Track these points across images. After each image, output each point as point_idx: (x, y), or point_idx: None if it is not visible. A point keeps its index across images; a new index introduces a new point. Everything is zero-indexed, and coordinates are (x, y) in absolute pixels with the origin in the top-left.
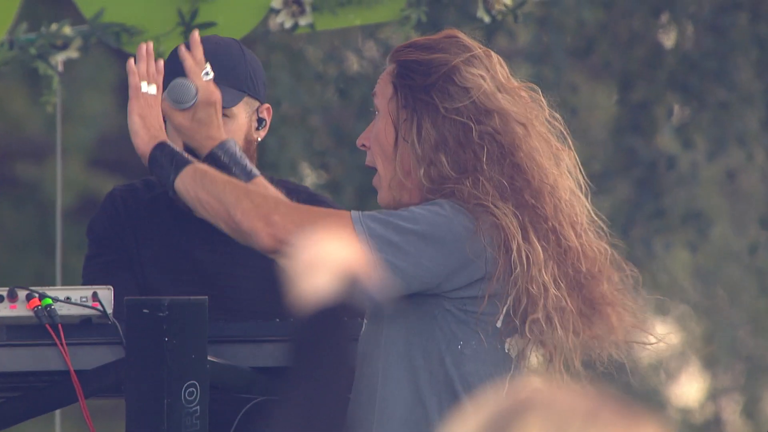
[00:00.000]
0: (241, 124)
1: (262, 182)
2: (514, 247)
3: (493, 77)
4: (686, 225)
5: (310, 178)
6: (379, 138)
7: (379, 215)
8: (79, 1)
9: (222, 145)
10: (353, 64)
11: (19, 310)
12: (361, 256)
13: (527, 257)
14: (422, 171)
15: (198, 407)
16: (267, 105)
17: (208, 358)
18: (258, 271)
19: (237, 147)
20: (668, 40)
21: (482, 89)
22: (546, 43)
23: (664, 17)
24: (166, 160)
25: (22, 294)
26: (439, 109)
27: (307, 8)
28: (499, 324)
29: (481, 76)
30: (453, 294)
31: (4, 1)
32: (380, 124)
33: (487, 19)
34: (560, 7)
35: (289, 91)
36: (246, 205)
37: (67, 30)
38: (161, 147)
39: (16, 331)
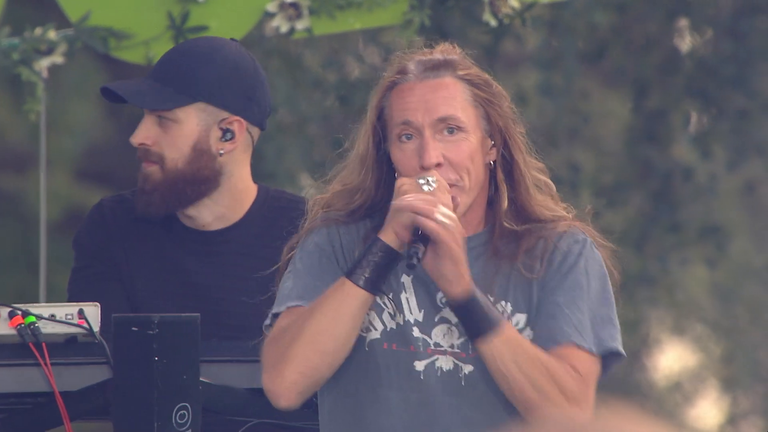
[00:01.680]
0: (188, 130)
1: (512, 328)
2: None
3: None
4: (704, 240)
5: (309, 189)
6: (474, 157)
7: (590, 318)
8: (65, 4)
9: (465, 298)
10: (354, 69)
11: (2, 328)
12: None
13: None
14: (529, 192)
15: (189, 430)
16: (237, 118)
17: (201, 378)
18: (252, 283)
19: (479, 293)
20: (685, 44)
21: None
22: (556, 48)
23: (681, 21)
24: (475, 314)
25: (4, 311)
26: (517, 132)
27: (305, 12)
28: None
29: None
30: None
31: None
32: (473, 141)
33: (493, 22)
34: (571, 10)
35: (286, 98)
36: (557, 400)
37: (52, 34)
38: (475, 297)
39: None
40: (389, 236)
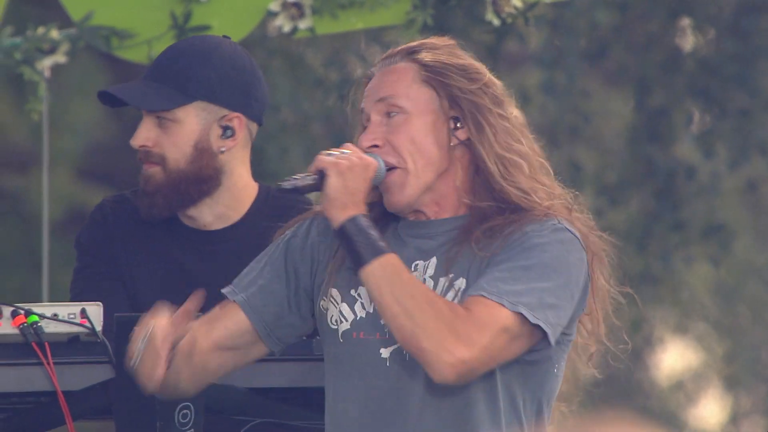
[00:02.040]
0: (189, 130)
1: (395, 260)
2: (592, 259)
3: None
4: (707, 238)
5: None
6: (416, 138)
7: (516, 285)
8: (67, 4)
9: (345, 226)
10: (356, 68)
11: (4, 327)
12: (523, 335)
13: (603, 271)
14: (500, 172)
15: (192, 430)
16: (237, 114)
17: None
18: None
19: (367, 221)
20: (687, 43)
21: (511, 104)
22: (558, 47)
23: (683, 20)
24: (361, 239)
25: (6, 311)
26: (495, 114)
27: (307, 11)
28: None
29: (505, 90)
30: None
31: None
32: (416, 123)
33: (496, 22)
34: (573, 10)
35: (289, 97)
36: (432, 330)
37: (54, 34)
38: (355, 221)
39: (1, 350)
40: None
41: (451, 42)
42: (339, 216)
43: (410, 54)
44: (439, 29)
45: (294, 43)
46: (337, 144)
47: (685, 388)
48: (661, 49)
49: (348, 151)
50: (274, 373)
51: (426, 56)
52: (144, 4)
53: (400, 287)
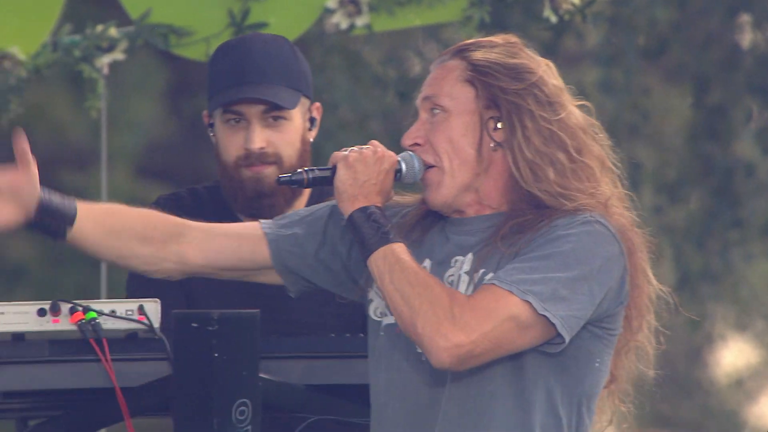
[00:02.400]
0: (298, 125)
1: (398, 249)
2: (639, 255)
3: (564, 91)
4: (766, 236)
5: None
6: (453, 138)
7: (533, 274)
8: (125, 1)
9: (362, 210)
10: (414, 66)
11: (62, 324)
12: (535, 325)
13: (643, 265)
14: (528, 176)
15: (249, 427)
16: (317, 104)
17: (260, 375)
18: None
19: (376, 212)
20: (746, 40)
21: (565, 104)
22: (616, 44)
23: (742, 17)
24: (366, 230)
25: (65, 307)
26: (537, 116)
27: (364, 8)
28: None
29: (561, 90)
30: (597, 315)
31: (48, 1)
32: (454, 123)
33: (554, 19)
34: (631, 6)
35: (347, 94)
36: (428, 315)
37: (113, 31)
38: (362, 212)
39: (59, 347)
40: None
41: (514, 40)
42: (347, 207)
43: (461, 51)
44: (497, 26)
45: (352, 41)
46: (397, 142)
47: (745, 386)
48: (719, 46)
49: (368, 146)
50: (332, 370)
51: (475, 54)
52: (202, 2)
53: (399, 275)
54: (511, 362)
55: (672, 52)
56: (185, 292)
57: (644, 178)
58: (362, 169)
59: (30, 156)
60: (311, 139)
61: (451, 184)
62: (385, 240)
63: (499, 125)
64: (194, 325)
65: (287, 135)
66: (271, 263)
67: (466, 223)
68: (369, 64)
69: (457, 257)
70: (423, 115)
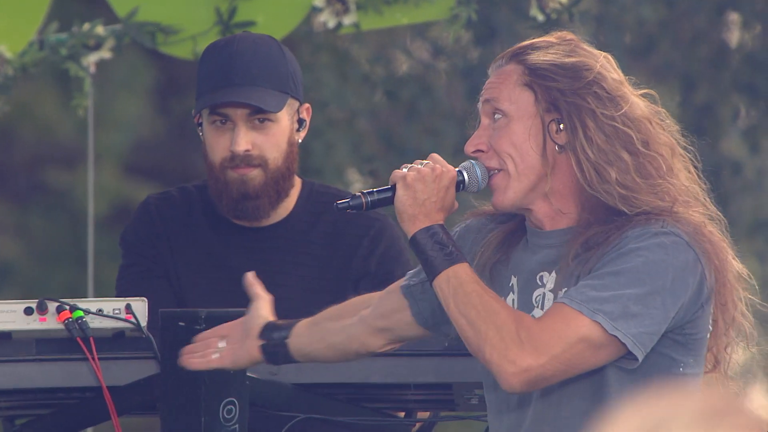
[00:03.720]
0: (284, 127)
1: (462, 270)
2: (718, 253)
3: (625, 83)
4: (754, 234)
5: (357, 184)
6: (516, 142)
7: (604, 291)
8: (112, 0)
9: (425, 231)
10: (402, 64)
11: (49, 322)
12: (607, 344)
13: (729, 265)
14: (593, 178)
15: (237, 426)
16: (306, 105)
17: (248, 373)
18: (298, 279)
19: (440, 231)
20: (733, 39)
21: (627, 97)
22: (603, 43)
23: (730, 15)
24: (429, 251)
25: (52, 306)
26: (598, 114)
27: (352, 6)
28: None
29: (621, 83)
30: (674, 324)
31: None
32: (516, 127)
33: (541, 17)
34: (618, 5)
35: (335, 93)
36: (495, 340)
37: (100, 29)
38: (425, 233)
39: (46, 345)
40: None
41: (570, 37)
42: (409, 228)
43: (517, 55)
44: (484, 25)
45: (340, 39)
46: (384, 141)
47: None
48: (707, 45)
49: (428, 161)
50: (319, 369)
51: (531, 57)
52: (189, 0)
53: (463, 299)
54: (591, 378)
55: (659, 50)
56: (174, 290)
57: None
58: (421, 188)
59: (262, 297)
60: (300, 140)
61: (517, 188)
62: (448, 262)
63: (561, 127)
64: (181, 323)
65: (273, 137)
66: (410, 312)
67: (546, 237)
68: (357, 62)
69: (542, 273)
70: (485, 121)
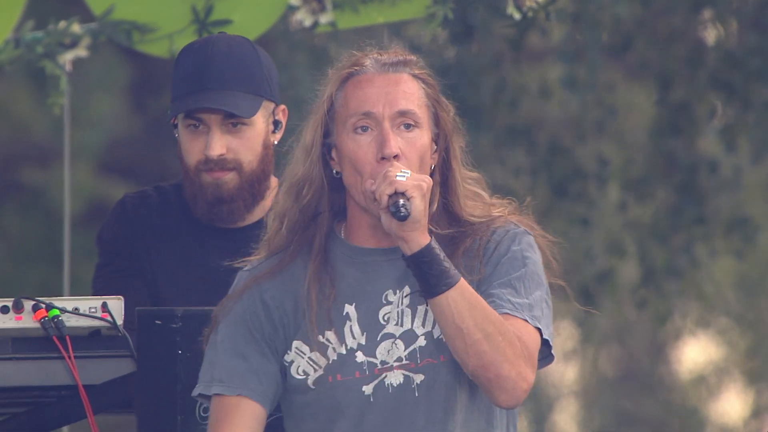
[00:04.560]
0: (259, 130)
1: (467, 285)
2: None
3: None
4: (730, 232)
5: None
6: (423, 156)
7: (523, 298)
8: None
9: (428, 249)
10: None
11: (25, 321)
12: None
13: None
14: (460, 201)
15: None
16: (282, 106)
17: None
18: None
19: (438, 247)
20: (710, 37)
21: None
22: (580, 41)
23: (706, 13)
24: (439, 264)
25: (28, 305)
26: (457, 141)
27: (328, 5)
28: None
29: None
30: None
31: None
32: (425, 141)
33: (517, 15)
34: (595, 3)
35: (312, 91)
36: (511, 356)
37: (76, 28)
38: (433, 245)
39: (22, 344)
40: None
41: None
42: (421, 239)
43: (411, 67)
44: (460, 23)
45: (316, 38)
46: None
47: (707, 383)
48: (683, 43)
49: (407, 170)
50: None
51: (424, 74)
52: None
53: (480, 312)
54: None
55: (636, 48)
56: (150, 290)
57: (610, 174)
58: (427, 197)
59: None
60: (275, 142)
61: None
62: (457, 275)
63: (435, 148)
64: (158, 322)
65: (248, 141)
66: (265, 412)
67: (387, 254)
68: (334, 61)
69: (387, 292)
70: (389, 127)
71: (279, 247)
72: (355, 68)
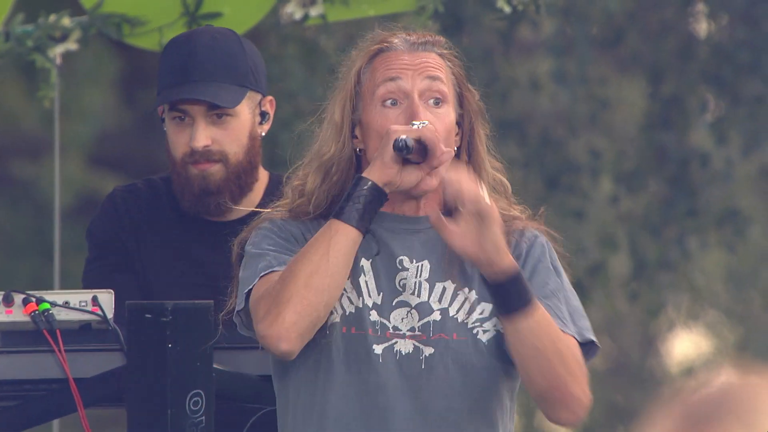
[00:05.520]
0: (244, 121)
1: (540, 305)
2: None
3: None
4: (721, 225)
5: None
6: (450, 131)
7: (572, 308)
8: None
9: (518, 276)
10: None
11: (16, 315)
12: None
13: None
14: (485, 178)
15: (203, 417)
16: (270, 97)
17: (214, 365)
18: None
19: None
20: (701, 30)
21: None
22: (570, 35)
23: (697, 6)
24: (525, 284)
25: (18, 298)
26: (481, 122)
27: None
28: None
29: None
30: None
31: None
32: (452, 115)
33: (507, 9)
34: None
35: (303, 84)
36: (579, 377)
37: (66, 21)
38: (516, 268)
39: (12, 337)
40: (374, 173)
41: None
42: (506, 261)
43: (440, 47)
44: (451, 16)
45: (307, 30)
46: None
47: (697, 376)
48: (675, 36)
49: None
50: None
51: (450, 57)
52: None
53: (555, 333)
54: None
55: (627, 42)
56: (140, 284)
57: (602, 167)
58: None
59: None
60: (263, 133)
61: (442, 172)
62: (533, 294)
63: (462, 125)
64: (148, 315)
65: (233, 132)
66: None
67: (408, 222)
68: (325, 53)
69: (402, 257)
70: (418, 99)
71: (303, 215)
72: (385, 44)
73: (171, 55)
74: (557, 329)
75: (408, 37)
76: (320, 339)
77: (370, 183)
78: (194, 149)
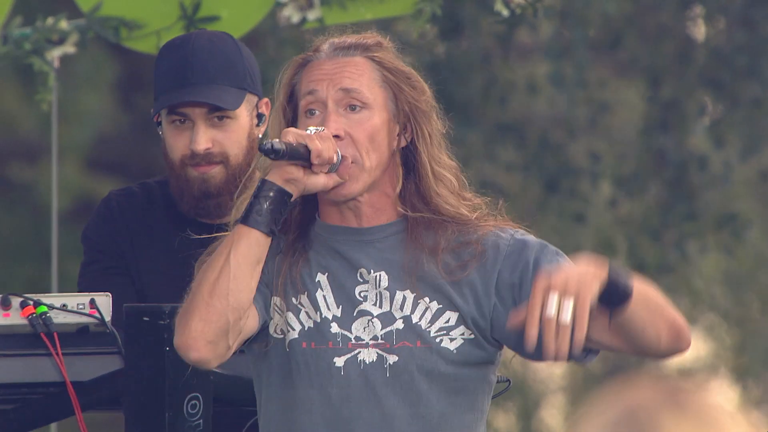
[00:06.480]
0: (243, 123)
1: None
2: None
3: None
4: (720, 228)
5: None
6: (374, 136)
7: None
8: None
9: (612, 272)
10: None
11: (13, 318)
12: None
13: None
14: (432, 182)
15: (201, 421)
16: (265, 99)
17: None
18: None
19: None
20: (699, 34)
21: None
22: (567, 38)
23: (695, 10)
24: (623, 271)
25: (15, 301)
26: (433, 125)
27: (316, 1)
28: None
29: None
30: None
31: None
32: (376, 121)
33: (505, 12)
34: (582, 0)
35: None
36: (672, 308)
37: (64, 24)
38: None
39: (10, 341)
40: (273, 174)
41: (387, 43)
42: (600, 273)
43: (367, 50)
44: (449, 20)
45: (305, 34)
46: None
47: (694, 379)
48: (672, 40)
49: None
50: None
51: (382, 57)
52: None
53: (643, 288)
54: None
55: (625, 45)
56: (136, 287)
57: (601, 171)
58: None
59: None
60: (260, 135)
61: (365, 180)
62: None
63: (406, 129)
64: (146, 318)
65: (233, 134)
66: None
67: (361, 233)
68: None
69: (361, 270)
70: (334, 107)
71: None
72: (310, 54)
73: (168, 59)
74: (640, 284)
75: (335, 42)
76: (280, 357)
77: (267, 183)
78: (195, 152)
